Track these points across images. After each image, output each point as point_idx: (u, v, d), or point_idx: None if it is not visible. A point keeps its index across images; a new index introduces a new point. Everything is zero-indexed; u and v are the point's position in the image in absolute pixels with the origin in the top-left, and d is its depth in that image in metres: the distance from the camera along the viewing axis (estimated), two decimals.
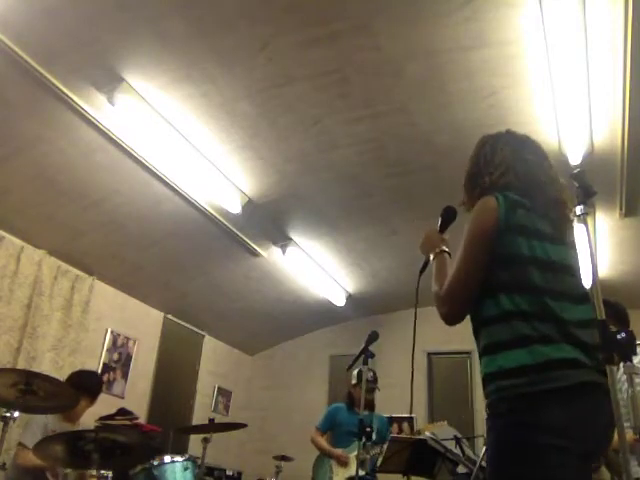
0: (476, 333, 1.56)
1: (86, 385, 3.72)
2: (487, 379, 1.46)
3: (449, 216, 1.84)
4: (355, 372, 4.63)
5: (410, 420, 6.79)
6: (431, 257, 1.72)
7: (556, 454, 1.31)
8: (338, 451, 4.40)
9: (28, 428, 3.51)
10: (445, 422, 4.94)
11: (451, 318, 1.54)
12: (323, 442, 4.57)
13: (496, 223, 1.50)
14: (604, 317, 1.42)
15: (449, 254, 1.71)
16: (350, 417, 4.52)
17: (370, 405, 4.58)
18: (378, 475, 4.36)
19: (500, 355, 1.44)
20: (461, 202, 1.81)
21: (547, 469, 1.31)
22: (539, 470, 1.31)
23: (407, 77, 3.65)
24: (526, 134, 1.78)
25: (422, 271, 1.85)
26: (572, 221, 1.63)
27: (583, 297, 1.54)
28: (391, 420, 6.63)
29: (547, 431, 1.31)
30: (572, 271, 1.58)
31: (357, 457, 4.28)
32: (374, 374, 4.55)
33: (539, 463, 1.31)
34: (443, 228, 1.83)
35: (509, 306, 1.46)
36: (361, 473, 4.22)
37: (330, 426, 4.62)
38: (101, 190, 4.54)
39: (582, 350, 1.42)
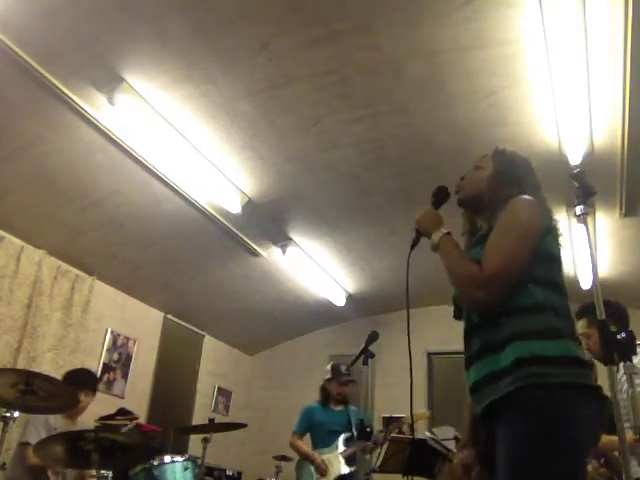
0: (495, 320, 1.51)
1: (82, 381, 3.74)
2: (515, 364, 1.42)
3: (443, 196, 1.83)
4: (329, 367, 4.59)
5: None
6: (435, 237, 1.67)
7: (585, 448, 1.34)
8: (319, 460, 4.27)
9: (30, 426, 3.51)
10: (425, 410, 4.94)
11: (489, 303, 1.50)
12: (303, 446, 4.45)
13: (543, 222, 1.56)
14: (604, 317, 1.42)
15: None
16: (328, 415, 4.46)
17: (344, 399, 4.52)
18: (377, 475, 4.34)
19: (534, 342, 1.42)
20: (456, 190, 1.82)
21: (580, 463, 1.32)
22: (574, 464, 1.31)
23: (407, 77, 3.65)
24: None
25: (413, 247, 1.77)
26: None
27: None
28: (391, 420, 6.64)
29: (581, 425, 1.32)
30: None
31: (344, 455, 4.26)
32: (347, 368, 4.49)
33: (574, 457, 1.31)
34: (438, 206, 1.81)
35: (542, 298, 1.48)
36: (347, 470, 4.21)
37: (308, 428, 4.50)
38: (101, 190, 4.54)
39: None
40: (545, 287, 1.50)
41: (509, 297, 1.49)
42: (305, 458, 4.39)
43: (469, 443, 1.76)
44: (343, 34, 3.33)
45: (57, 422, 3.57)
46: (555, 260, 1.57)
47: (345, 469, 4.21)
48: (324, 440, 4.38)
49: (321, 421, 4.44)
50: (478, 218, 1.81)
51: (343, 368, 4.48)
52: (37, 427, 3.45)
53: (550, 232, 1.58)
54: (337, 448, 4.31)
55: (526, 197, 1.61)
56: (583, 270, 5.42)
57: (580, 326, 2.82)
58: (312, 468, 4.30)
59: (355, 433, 4.29)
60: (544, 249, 1.55)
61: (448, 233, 1.66)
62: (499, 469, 1.39)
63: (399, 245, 5.90)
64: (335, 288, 6.60)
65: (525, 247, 1.50)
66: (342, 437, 4.34)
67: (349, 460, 4.23)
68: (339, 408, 4.51)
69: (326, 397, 4.54)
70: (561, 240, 1.64)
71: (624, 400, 2.00)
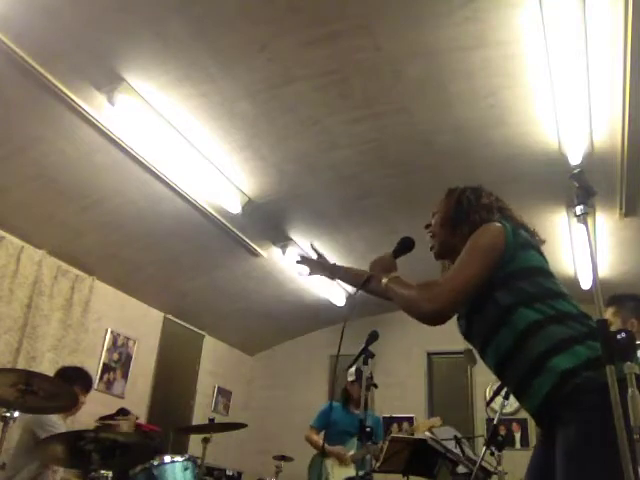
0: (512, 358, 1.54)
1: (77, 378, 3.70)
2: (567, 374, 1.42)
3: (407, 246, 1.86)
4: (353, 369, 4.55)
5: (410, 420, 6.79)
6: (383, 280, 1.72)
7: None
8: (337, 448, 4.33)
9: (47, 423, 3.42)
10: (438, 418, 4.94)
11: (437, 316, 1.54)
12: (320, 440, 4.49)
13: (505, 244, 1.56)
14: (604, 317, 1.42)
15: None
16: (345, 416, 4.48)
17: (365, 403, 4.53)
18: (377, 475, 4.34)
19: (575, 349, 1.43)
20: (432, 247, 1.84)
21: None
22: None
23: (407, 77, 3.65)
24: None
25: (363, 284, 1.85)
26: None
27: None
28: (391, 420, 6.64)
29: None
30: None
31: (353, 457, 4.26)
32: (371, 372, 4.49)
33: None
34: (398, 255, 1.84)
35: (536, 316, 1.50)
36: (355, 474, 4.20)
37: (325, 424, 4.54)
38: (101, 190, 4.54)
39: None
40: (537, 303, 1.51)
41: (517, 322, 1.52)
42: (321, 452, 4.43)
43: None
44: (343, 34, 3.33)
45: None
46: (539, 272, 1.58)
47: (352, 472, 4.20)
48: (336, 439, 4.40)
49: (337, 421, 4.48)
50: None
51: (368, 372, 4.50)
52: (56, 426, 3.38)
53: (523, 247, 1.59)
54: (349, 450, 4.32)
55: (486, 225, 1.63)
56: (583, 270, 5.42)
57: (607, 312, 2.83)
58: (324, 466, 4.31)
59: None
60: (522, 266, 1.56)
61: (396, 277, 1.72)
62: None
63: None
64: (335, 288, 6.59)
65: (482, 268, 1.54)
66: (354, 439, 4.34)
67: (357, 463, 4.23)
68: (358, 412, 4.52)
69: (347, 399, 4.59)
70: (540, 249, 1.66)
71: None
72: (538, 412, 1.53)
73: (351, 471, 4.22)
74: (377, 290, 1.78)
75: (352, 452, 4.29)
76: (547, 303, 1.51)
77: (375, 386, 4.51)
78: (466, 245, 1.60)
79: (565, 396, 1.42)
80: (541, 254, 1.64)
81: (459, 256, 1.60)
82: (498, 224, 1.61)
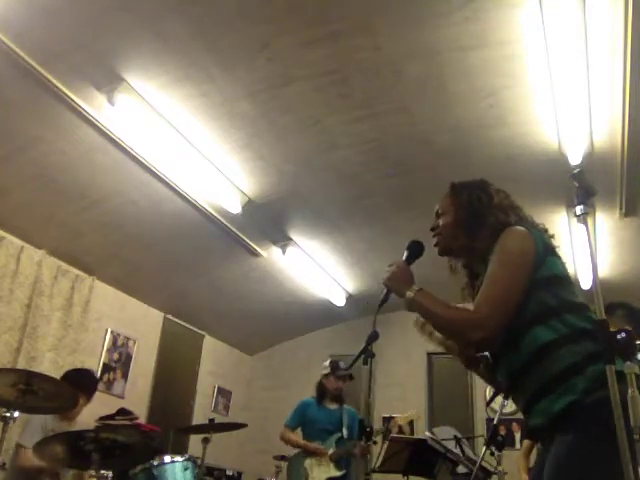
0: (521, 381, 1.51)
1: (83, 384, 3.73)
2: (564, 411, 1.40)
3: (418, 250, 1.81)
4: (327, 362, 4.47)
5: (410, 420, 6.78)
6: (408, 294, 1.64)
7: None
8: (312, 445, 4.20)
9: (27, 428, 3.51)
10: (415, 410, 4.91)
11: (489, 342, 1.50)
12: (295, 437, 4.37)
13: (536, 250, 1.53)
14: (606, 318, 1.42)
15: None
16: (321, 412, 4.36)
17: (339, 397, 4.39)
18: (378, 475, 4.32)
19: (575, 380, 1.41)
20: (435, 244, 1.80)
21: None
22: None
23: (407, 77, 3.65)
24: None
25: (381, 305, 1.77)
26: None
27: None
28: (391, 420, 6.63)
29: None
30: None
31: (333, 456, 4.19)
32: (346, 364, 4.30)
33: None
34: (410, 262, 1.79)
35: (548, 336, 1.46)
36: (338, 474, 4.13)
37: (300, 422, 4.40)
38: (101, 190, 4.54)
39: None
40: (553, 318, 1.48)
41: (534, 337, 1.48)
42: (296, 447, 4.33)
43: None
44: (343, 34, 3.33)
45: (54, 425, 3.56)
46: (560, 281, 1.54)
47: (334, 472, 4.11)
48: (314, 438, 4.29)
49: (314, 418, 4.34)
50: (472, 263, 1.77)
51: (342, 364, 4.36)
52: (33, 431, 3.43)
53: (550, 254, 1.55)
54: (328, 448, 4.21)
55: (511, 229, 1.58)
56: (583, 270, 5.42)
57: None
58: (303, 467, 4.20)
59: (345, 433, 4.23)
60: (546, 274, 1.52)
61: (420, 289, 1.64)
62: None
63: (399, 245, 5.84)
64: (335, 288, 6.59)
65: (518, 281, 1.50)
66: (333, 438, 4.25)
67: (338, 463, 4.14)
68: (334, 407, 4.39)
69: (322, 393, 4.41)
70: (558, 251, 1.62)
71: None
72: (541, 429, 1.51)
73: (331, 471, 4.13)
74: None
75: (331, 450, 4.19)
76: (563, 319, 1.47)
77: (351, 377, 4.35)
78: (495, 256, 1.55)
79: (564, 421, 1.41)
80: (560, 258, 1.60)
81: (490, 269, 1.55)
82: (522, 228, 1.57)
